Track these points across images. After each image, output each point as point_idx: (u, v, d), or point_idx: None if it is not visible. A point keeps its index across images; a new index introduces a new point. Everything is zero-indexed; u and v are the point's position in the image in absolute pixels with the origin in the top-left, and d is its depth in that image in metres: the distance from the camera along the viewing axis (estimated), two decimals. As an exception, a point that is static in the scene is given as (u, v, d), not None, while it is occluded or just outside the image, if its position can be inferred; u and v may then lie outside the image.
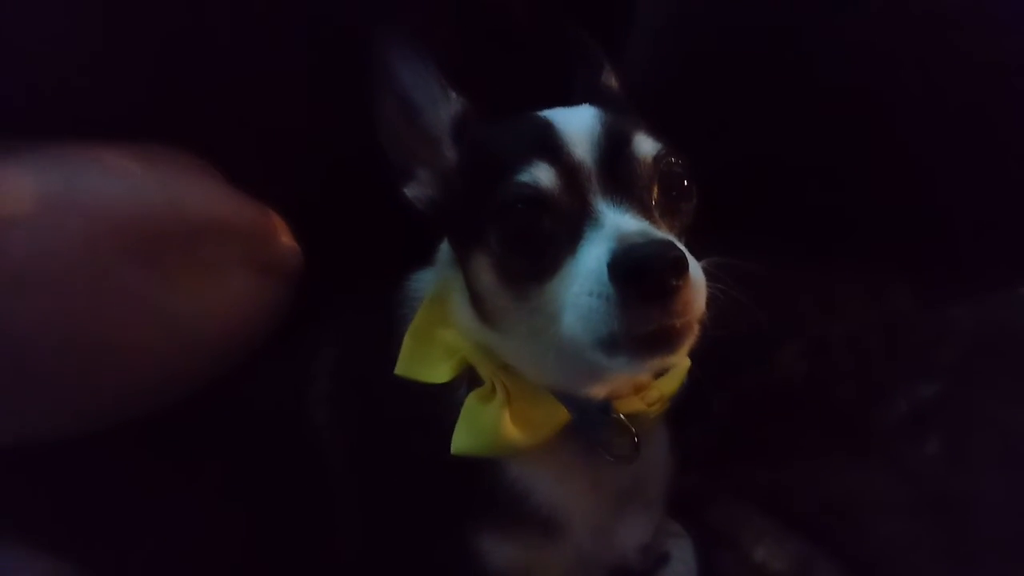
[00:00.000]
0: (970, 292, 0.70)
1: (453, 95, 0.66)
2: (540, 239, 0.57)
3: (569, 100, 0.67)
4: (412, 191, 0.66)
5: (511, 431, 0.61)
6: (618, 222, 0.54)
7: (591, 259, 0.53)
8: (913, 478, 0.65)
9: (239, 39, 0.83)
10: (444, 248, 0.70)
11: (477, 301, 0.63)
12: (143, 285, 0.67)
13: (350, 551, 0.69)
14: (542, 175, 0.57)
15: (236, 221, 0.73)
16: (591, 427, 0.63)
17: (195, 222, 0.70)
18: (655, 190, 0.58)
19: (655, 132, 0.61)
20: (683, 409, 0.69)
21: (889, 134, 0.88)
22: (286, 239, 0.76)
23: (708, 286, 0.53)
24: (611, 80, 0.74)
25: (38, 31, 0.76)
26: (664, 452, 0.71)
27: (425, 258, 0.72)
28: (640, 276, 0.50)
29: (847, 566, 0.64)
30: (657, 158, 0.58)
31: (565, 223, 0.56)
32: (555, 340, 0.57)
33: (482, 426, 0.62)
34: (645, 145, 0.59)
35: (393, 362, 0.65)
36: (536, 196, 0.57)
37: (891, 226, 0.85)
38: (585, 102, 0.65)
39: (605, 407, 0.63)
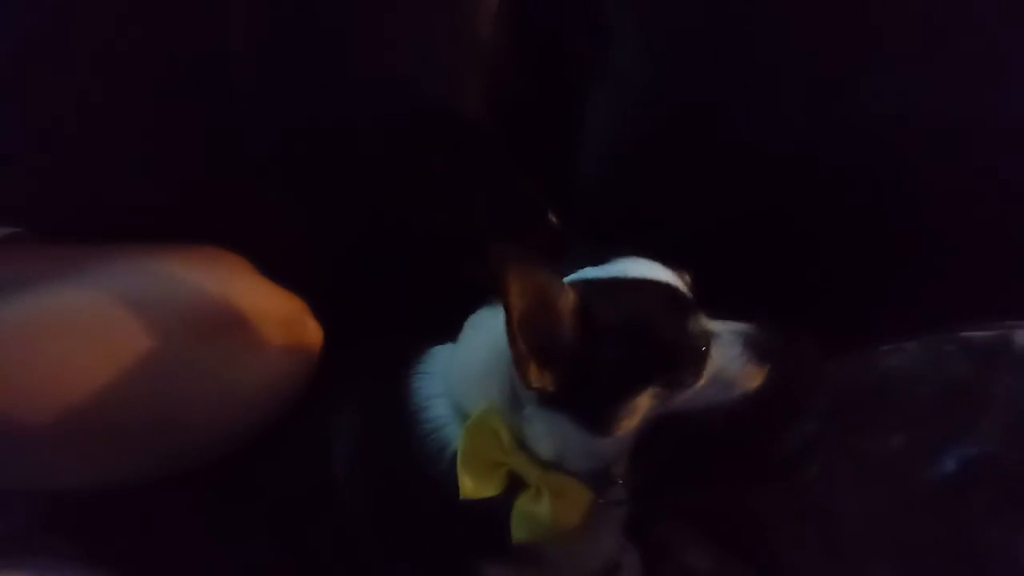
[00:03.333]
0: (837, 352, 0.91)
1: (569, 291, 0.69)
2: (702, 362, 0.74)
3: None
4: (538, 382, 0.68)
5: (560, 518, 0.74)
6: (723, 327, 0.76)
7: (726, 358, 0.75)
8: (800, 495, 0.84)
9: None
10: (462, 366, 0.77)
11: (599, 425, 0.72)
12: (208, 360, 0.84)
13: None
14: (698, 322, 0.74)
15: (274, 307, 0.90)
16: (600, 492, 0.78)
17: (243, 309, 0.86)
18: None
19: None
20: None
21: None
22: (310, 321, 0.93)
23: None
24: (553, 217, 0.84)
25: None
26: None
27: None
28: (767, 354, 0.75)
29: (753, 564, 0.83)
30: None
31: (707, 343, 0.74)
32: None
33: (539, 521, 0.73)
34: (688, 278, 0.78)
35: (402, 439, 0.78)
36: (698, 338, 0.73)
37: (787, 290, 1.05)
38: (542, 244, 0.76)
39: (609, 472, 0.79)
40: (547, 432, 0.74)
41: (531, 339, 0.65)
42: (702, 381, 0.74)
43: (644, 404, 0.72)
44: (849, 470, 0.82)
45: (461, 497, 0.72)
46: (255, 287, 0.92)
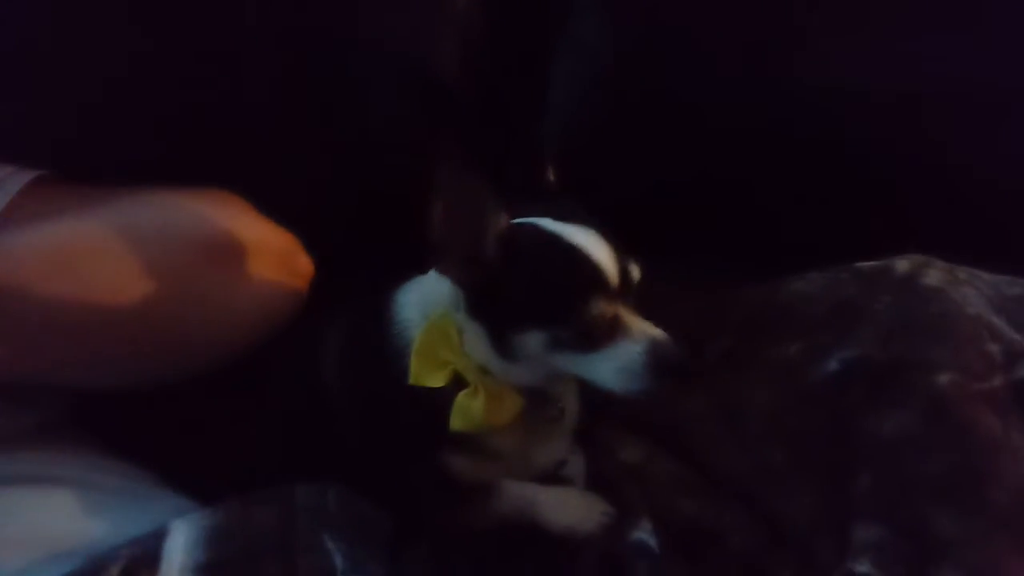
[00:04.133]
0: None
1: (503, 215, 0.81)
2: (593, 337, 0.80)
3: (513, 194, 0.84)
4: (443, 270, 0.83)
5: (490, 416, 0.86)
6: (641, 328, 0.82)
7: (630, 352, 0.81)
8: (715, 397, 0.97)
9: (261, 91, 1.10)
10: (436, 283, 0.87)
11: (497, 343, 0.84)
12: (213, 285, 0.99)
13: (353, 464, 0.97)
14: (603, 307, 0.80)
15: (269, 241, 1.05)
16: (535, 405, 0.91)
17: (243, 242, 1.01)
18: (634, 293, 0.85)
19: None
20: None
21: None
22: (302, 254, 1.09)
23: None
24: (551, 176, 0.92)
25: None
26: (574, 402, 0.98)
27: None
28: (667, 370, 0.81)
29: (676, 455, 0.96)
30: (640, 278, 0.86)
31: (609, 327, 0.80)
32: (570, 373, 0.84)
33: (471, 415, 0.85)
34: (636, 272, 0.85)
35: (384, 350, 0.91)
36: (596, 318, 0.80)
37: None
38: (536, 201, 0.86)
39: (546, 391, 0.91)
40: (473, 339, 0.86)
41: (456, 236, 0.79)
42: (595, 356, 0.81)
43: (532, 344, 0.82)
44: (755, 374, 0.97)
45: (410, 383, 0.85)
46: (254, 223, 1.06)
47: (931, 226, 1.09)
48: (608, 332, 0.81)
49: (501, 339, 0.84)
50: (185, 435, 1.03)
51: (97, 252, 0.93)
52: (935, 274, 0.93)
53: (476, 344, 0.87)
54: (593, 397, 1.03)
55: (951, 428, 0.82)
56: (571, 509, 0.92)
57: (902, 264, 0.96)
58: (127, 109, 1.06)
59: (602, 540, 0.88)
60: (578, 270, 0.81)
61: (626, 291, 0.82)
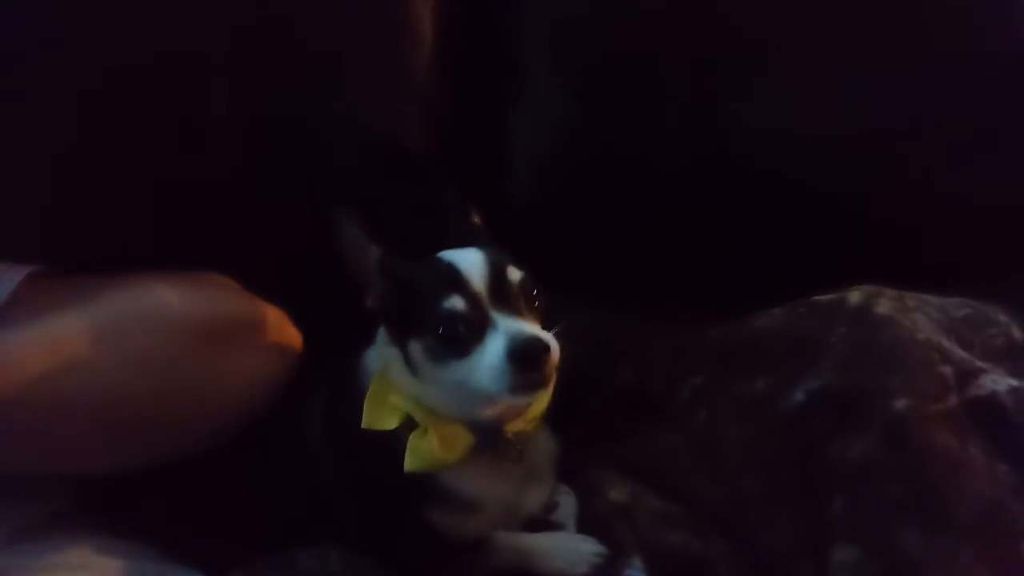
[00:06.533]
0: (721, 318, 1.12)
1: (373, 247, 0.92)
2: (459, 338, 0.85)
3: (449, 239, 0.95)
4: (369, 302, 0.94)
5: (440, 453, 0.91)
6: (506, 324, 0.86)
7: (494, 348, 0.85)
8: (692, 434, 1.02)
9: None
10: (382, 334, 0.98)
11: (412, 367, 0.91)
12: (206, 364, 1.00)
13: (349, 527, 1.01)
14: (456, 303, 0.85)
15: (259, 318, 1.08)
16: (488, 444, 0.93)
17: (235, 320, 1.04)
18: (521, 299, 0.90)
19: (516, 261, 0.93)
20: (562, 416, 1.04)
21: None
22: (290, 328, 1.12)
23: (560, 344, 0.87)
24: (476, 219, 1.02)
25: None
26: (549, 447, 1.02)
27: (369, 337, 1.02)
28: (526, 358, 0.84)
29: (659, 491, 1.00)
30: (521, 281, 0.91)
31: (475, 327, 0.85)
32: (467, 388, 0.86)
33: (422, 452, 0.89)
34: (514, 274, 0.91)
35: (359, 412, 0.94)
36: (454, 315, 0.85)
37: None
38: (463, 241, 0.94)
39: (498, 429, 0.93)
40: (400, 371, 0.93)
41: (355, 274, 0.93)
42: (468, 362, 0.86)
43: (418, 357, 0.90)
44: (727, 408, 1.02)
45: (363, 426, 0.92)
46: (245, 302, 1.10)
47: (887, 252, 1.21)
48: (476, 334, 0.85)
49: (407, 361, 0.92)
50: (188, 509, 1.05)
51: (94, 344, 0.95)
52: (885, 303, 0.99)
53: (401, 376, 0.93)
54: (569, 436, 1.09)
55: (911, 450, 0.86)
56: (563, 554, 0.94)
57: (854, 296, 1.02)
58: (100, 191, 1.10)
59: (595, 580, 0.88)
60: (435, 275, 0.89)
61: (500, 294, 0.88)
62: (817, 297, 1.06)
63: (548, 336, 0.87)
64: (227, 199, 1.18)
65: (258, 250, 1.19)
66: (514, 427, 0.94)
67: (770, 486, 0.93)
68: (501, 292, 0.90)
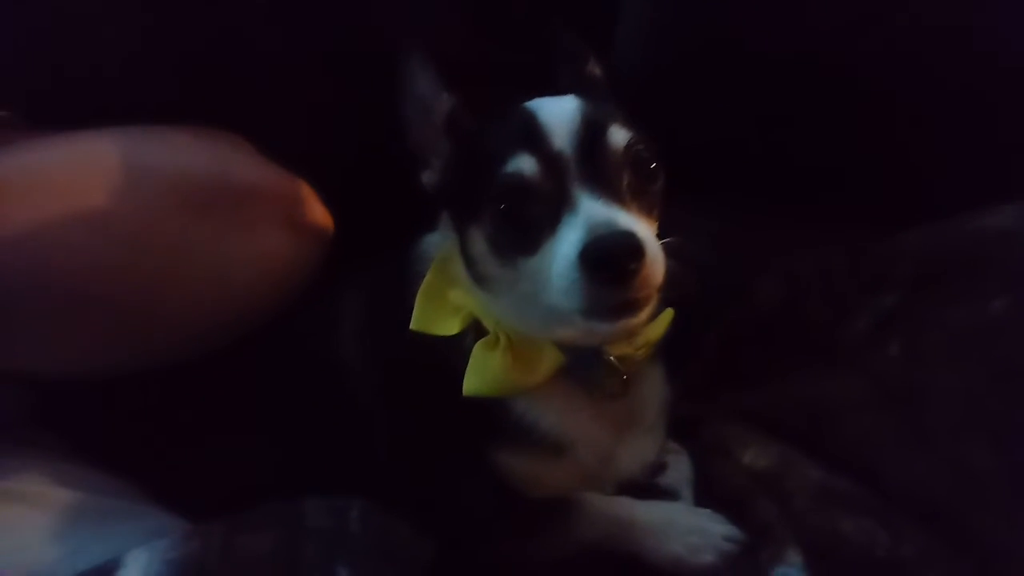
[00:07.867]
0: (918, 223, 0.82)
1: (445, 95, 0.75)
2: (525, 221, 0.65)
3: (556, 90, 0.73)
4: (426, 177, 0.76)
5: (513, 374, 0.71)
6: (591, 209, 0.63)
7: (566, 244, 0.62)
8: (877, 378, 0.75)
9: (269, 35, 0.95)
10: (446, 217, 0.79)
11: (471, 266, 0.72)
12: (197, 237, 0.80)
13: (381, 469, 0.78)
14: (525, 165, 0.66)
15: (271, 186, 0.87)
16: (584, 368, 0.74)
17: (238, 185, 0.83)
18: (626, 175, 0.66)
19: (630, 120, 0.71)
20: (676, 348, 0.80)
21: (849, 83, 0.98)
22: (315, 204, 0.89)
23: (668, 260, 0.63)
24: (595, 70, 0.81)
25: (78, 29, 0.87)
26: (659, 386, 0.82)
27: (433, 223, 0.82)
28: (604, 265, 0.60)
29: (822, 458, 0.74)
30: (628, 146, 0.67)
31: (547, 207, 0.65)
32: (539, 303, 0.66)
33: (488, 370, 0.71)
34: (618, 135, 0.67)
35: (409, 311, 0.74)
36: (520, 184, 0.66)
37: (853, 174, 0.99)
38: (570, 92, 0.72)
39: (597, 351, 0.73)
40: (463, 273, 0.74)
41: (416, 134, 0.75)
42: (537, 261, 0.65)
43: (478, 251, 0.70)
44: (936, 345, 0.73)
45: (412, 327, 0.73)
46: (255, 164, 0.86)
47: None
48: (550, 216, 0.64)
49: (468, 262, 0.72)
50: (170, 436, 0.84)
51: (36, 188, 0.74)
52: None
53: (463, 272, 0.74)
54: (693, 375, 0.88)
55: None
56: (680, 533, 0.72)
57: None
58: (140, 49, 0.92)
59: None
60: (507, 128, 0.69)
61: (593, 162, 0.66)
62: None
63: (648, 235, 0.62)
64: (255, 64, 0.95)
65: (284, 122, 0.94)
66: (617, 350, 0.74)
67: (1003, 457, 0.66)
68: (595, 159, 0.66)
